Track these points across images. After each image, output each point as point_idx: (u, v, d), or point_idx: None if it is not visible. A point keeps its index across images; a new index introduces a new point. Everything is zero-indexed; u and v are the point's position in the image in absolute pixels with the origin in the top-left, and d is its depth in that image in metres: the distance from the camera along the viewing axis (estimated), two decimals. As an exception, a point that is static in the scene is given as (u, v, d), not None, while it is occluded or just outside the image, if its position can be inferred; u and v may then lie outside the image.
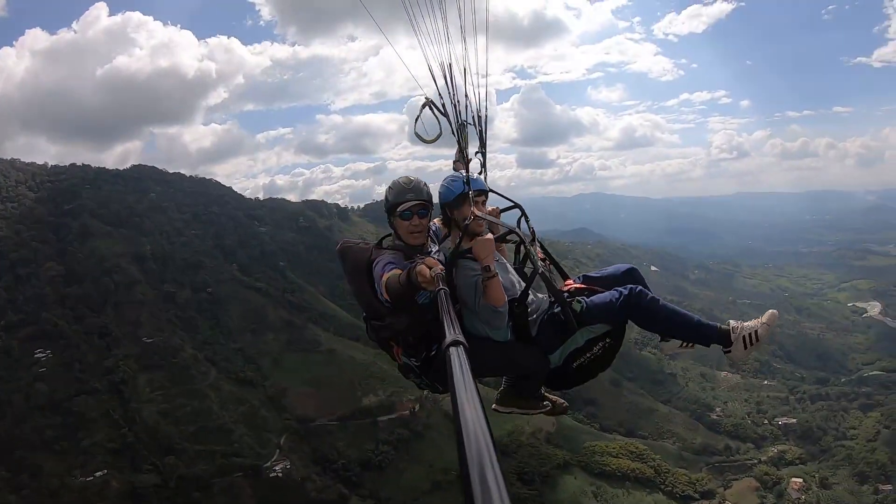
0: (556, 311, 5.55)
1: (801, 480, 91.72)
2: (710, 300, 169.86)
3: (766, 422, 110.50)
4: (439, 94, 5.76)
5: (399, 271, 4.74)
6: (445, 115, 5.58)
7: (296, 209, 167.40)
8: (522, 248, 5.83)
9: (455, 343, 2.10)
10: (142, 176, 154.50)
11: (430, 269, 4.26)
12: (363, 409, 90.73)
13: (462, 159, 5.70)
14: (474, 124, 6.09)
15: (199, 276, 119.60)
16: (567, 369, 5.58)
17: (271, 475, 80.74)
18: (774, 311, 5.40)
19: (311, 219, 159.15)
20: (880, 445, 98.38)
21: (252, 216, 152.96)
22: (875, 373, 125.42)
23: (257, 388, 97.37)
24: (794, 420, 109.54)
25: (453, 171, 5.80)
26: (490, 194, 6.06)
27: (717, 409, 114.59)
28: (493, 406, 5.87)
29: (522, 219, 6.02)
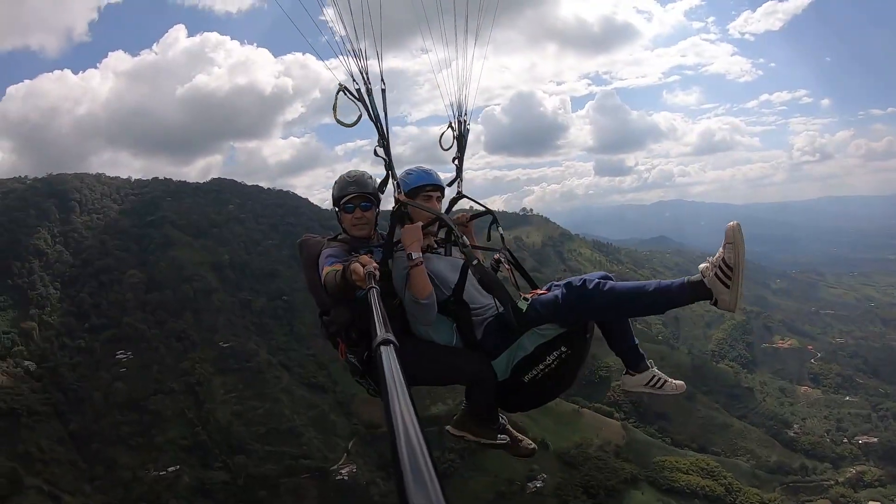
0: (502, 311, 5.10)
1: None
2: (792, 310, 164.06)
3: (845, 440, 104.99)
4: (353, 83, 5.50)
5: (338, 266, 4.68)
6: (361, 100, 5.30)
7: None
8: (453, 236, 5.30)
9: (385, 342, 2.02)
10: (221, 188, 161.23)
11: (364, 266, 4.18)
12: (431, 418, 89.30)
13: (381, 146, 5.39)
14: (453, 129, 6.05)
15: (275, 284, 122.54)
16: (518, 383, 5.00)
17: (337, 478, 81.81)
18: (732, 223, 4.41)
19: (387, 228, 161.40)
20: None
21: (328, 226, 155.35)
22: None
23: (328, 393, 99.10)
24: (876, 439, 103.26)
25: (374, 156, 5.58)
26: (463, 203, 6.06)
27: (795, 426, 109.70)
28: (448, 427, 5.57)
29: (494, 225, 5.77)
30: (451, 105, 6.02)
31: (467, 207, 6.22)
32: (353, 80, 5.27)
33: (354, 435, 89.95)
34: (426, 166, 5.58)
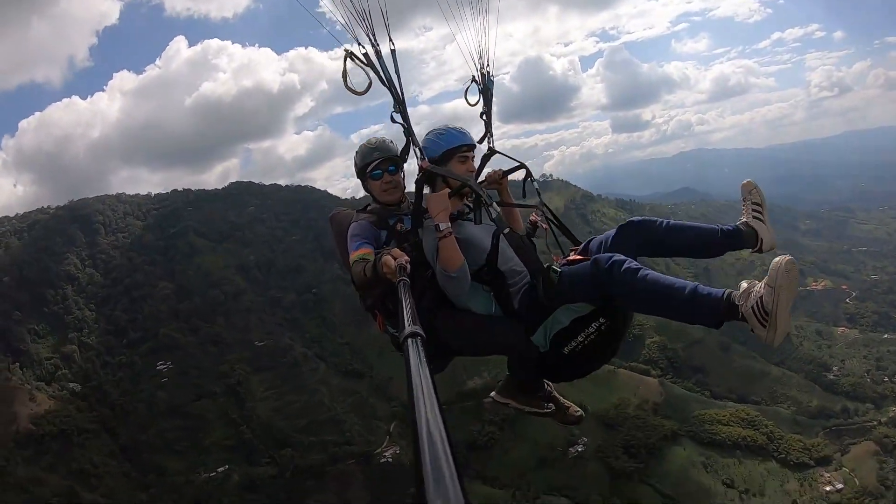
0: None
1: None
2: (823, 251, 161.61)
3: (886, 379, 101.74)
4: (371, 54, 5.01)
5: (365, 251, 4.72)
6: (370, 65, 4.91)
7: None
8: (482, 202, 4.88)
9: (413, 335, 2.08)
10: (239, 192, 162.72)
11: (395, 259, 4.09)
12: (468, 392, 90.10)
13: (398, 111, 5.00)
14: (477, 83, 5.81)
15: (302, 278, 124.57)
16: (558, 356, 4.67)
17: (381, 461, 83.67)
18: (780, 258, 3.80)
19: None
20: None
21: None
22: None
23: (365, 378, 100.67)
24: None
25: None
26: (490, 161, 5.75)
27: (834, 368, 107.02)
28: (492, 394, 5.45)
29: (529, 180, 5.61)
30: (472, 56, 5.74)
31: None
32: (360, 45, 4.89)
33: (395, 417, 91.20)
34: (456, 124, 5.26)
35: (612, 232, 4.88)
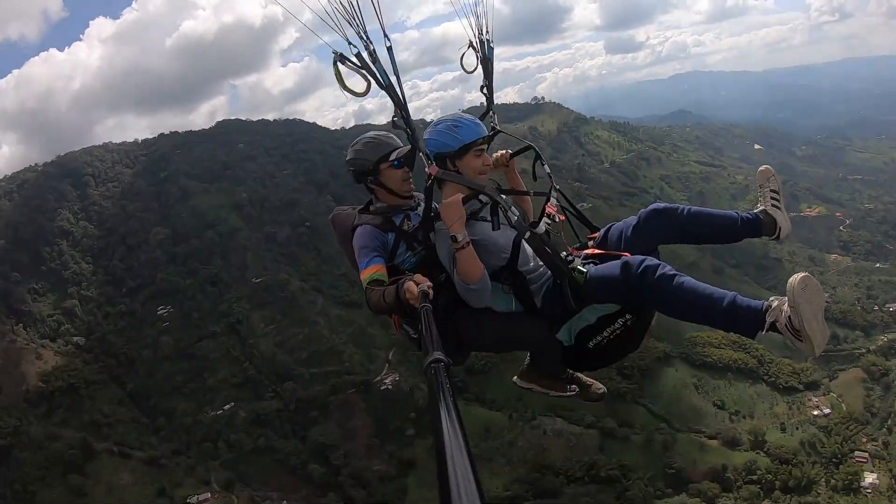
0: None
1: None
2: (819, 177, 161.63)
3: (876, 308, 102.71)
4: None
5: (376, 268, 4.49)
6: (364, 67, 4.36)
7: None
8: (500, 209, 4.54)
9: (436, 361, 2.06)
10: (227, 130, 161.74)
11: (418, 285, 3.87)
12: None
13: (401, 117, 4.54)
14: (475, 49, 5.44)
15: (296, 212, 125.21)
16: (582, 350, 4.64)
17: (382, 388, 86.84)
18: (793, 277, 3.96)
19: (399, 136, 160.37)
20: None
21: (339, 146, 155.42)
22: None
23: (363, 308, 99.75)
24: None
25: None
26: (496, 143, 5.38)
27: (826, 295, 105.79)
28: (514, 378, 5.32)
29: (538, 162, 5.30)
30: (470, 23, 5.37)
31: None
32: (350, 44, 4.34)
33: (393, 345, 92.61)
34: (466, 115, 4.82)
35: (632, 220, 4.79)
